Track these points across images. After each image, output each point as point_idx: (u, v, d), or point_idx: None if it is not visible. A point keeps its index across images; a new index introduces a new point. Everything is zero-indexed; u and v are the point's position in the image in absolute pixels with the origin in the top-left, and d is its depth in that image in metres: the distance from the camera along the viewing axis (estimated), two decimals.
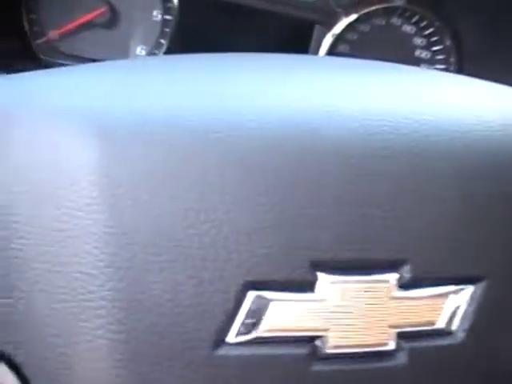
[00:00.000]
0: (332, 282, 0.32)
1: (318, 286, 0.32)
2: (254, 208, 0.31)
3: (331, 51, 0.77)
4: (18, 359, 0.33)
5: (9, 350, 0.33)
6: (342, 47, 0.78)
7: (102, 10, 0.75)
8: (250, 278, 0.31)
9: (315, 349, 0.32)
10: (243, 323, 0.31)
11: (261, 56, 0.43)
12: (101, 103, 0.33)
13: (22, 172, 0.32)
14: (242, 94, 0.34)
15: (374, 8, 0.76)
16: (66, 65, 0.76)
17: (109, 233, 0.31)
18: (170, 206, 0.31)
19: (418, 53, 0.79)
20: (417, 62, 0.79)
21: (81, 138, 0.32)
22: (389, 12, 0.77)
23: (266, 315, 0.31)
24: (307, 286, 0.32)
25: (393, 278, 0.33)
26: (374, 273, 0.32)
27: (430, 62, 0.79)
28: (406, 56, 0.78)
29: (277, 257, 0.31)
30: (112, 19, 0.76)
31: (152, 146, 0.31)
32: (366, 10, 0.76)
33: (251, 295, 0.31)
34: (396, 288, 0.33)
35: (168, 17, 0.76)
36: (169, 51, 0.76)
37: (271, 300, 0.31)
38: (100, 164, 0.31)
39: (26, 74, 0.38)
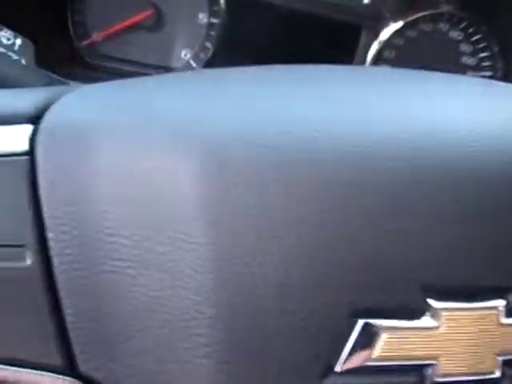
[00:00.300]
0: (442, 309, 0.31)
1: (428, 313, 0.31)
2: (367, 235, 0.30)
3: (378, 57, 0.76)
4: None
5: (99, 377, 0.32)
6: (387, 53, 0.77)
7: (148, 12, 0.74)
8: (360, 306, 0.30)
9: (423, 377, 0.31)
10: (352, 351, 0.31)
11: (342, 69, 0.41)
12: (203, 124, 0.32)
13: (122, 193, 0.31)
14: (344, 110, 0.33)
15: (421, 14, 0.76)
16: (110, 67, 0.76)
17: (214, 258, 0.30)
18: (277, 232, 0.30)
19: (464, 59, 0.78)
20: (463, 68, 0.78)
21: (184, 162, 0.31)
22: (436, 18, 0.76)
23: (374, 343, 0.31)
24: (417, 313, 0.31)
25: (501, 304, 0.32)
26: (482, 299, 0.32)
27: (476, 69, 0.78)
28: (451, 62, 0.77)
29: (387, 284, 0.31)
30: (157, 22, 0.75)
31: (258, 173, 0.30)
32: (413, 17, 0.75)
33: (361, 323, 0.31)
34: (504, 315, 0.32)
35: (214, 20, 0.75)
36: (214, 55, 0.75)
37: (381, 328, 0.31)
38: (204, 187, 0.30)
39: (99, 86, 0.37)
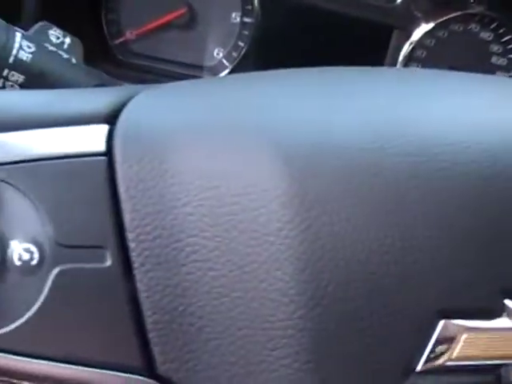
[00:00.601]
0: None
1: (506, 314, 0.32)
2: (453, 237, 0.31)
3: (409, 57, 0.77)
4: None
5: (178, 378, 0.32)
6: (419, 53, 0.77)
7: (182, 11, 0.74)
8: (442, 306, 0.31)
9: (501, 377, 0.32)
10: (432, 351, 0.31)
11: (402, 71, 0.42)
12: (284, 123, 0.32)
13: (204, 194, 0.32)
14: (431, 112, 0.34)
15: (453, 15, 0.76)
16: (142, 65, 0.76)
17: (301, 259, 0.30)
18: (365, 231, 0.30)
19: (494, 59, 0.78)
20: (492, 68, 0.78)
21: (270, 161, 0.31)
22: (467, 18, 0.77)
23: (454, 344, 0.31)
24: (495, 314, 0.31)
25: None
26: None
27: (506, 69, 0.79)
28: (481, 62, 0.78)
29: (469, 285, 0.31)
30: (190, 20, 0.75)
31: (347, 169, 0.31)
32: (445, 17, 0.76)
33: (442, 323, 0.31)
34: None
35: (247, 19, 0.75)
36: (247, 54, 0.76)
37: (461, 328, 0.31)
38: (292, 187, 0.31)
39: (167, 87, 0.37)
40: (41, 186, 0.31)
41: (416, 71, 0.52)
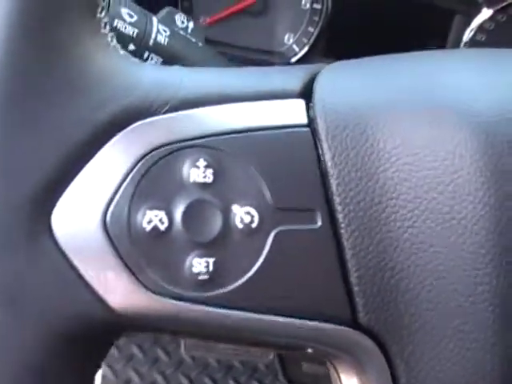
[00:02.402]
0: None
1: None
2: None
3: (470, 41, 0.80)
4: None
5: (378, 329, 0.35)
6: (479, 36, 0.80)
7: None
8: None
9: None
10: None
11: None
12: (476, 99, 0.35)
13: (406, 160, 0.34)
14: None
15: None
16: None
17: (496, 215, 0.33)
18: None
19: None
20: None
21: (466, 130, 0.34)
22: None
23: None
24: None
25: None
26: None
27: None
28: None
29: None
30: (262, 8, 0.77)
31: None
32: (506, 2, 0.79)
33: None
34: None
35: (317, 5, 0.78)
36: (317, 40, 0.78)
37: None
38: (487, 153, 0.34)
39: (349, 63, 0.39)
40: (256, 154, 0.34)
41: None
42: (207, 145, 0.34)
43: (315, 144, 0.35)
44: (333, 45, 0.79)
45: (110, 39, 0.34)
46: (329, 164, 0.34)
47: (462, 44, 0.80)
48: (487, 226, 0.34)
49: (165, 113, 0.34)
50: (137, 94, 0.33)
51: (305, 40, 0.78)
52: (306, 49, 0.78)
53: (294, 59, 0.78)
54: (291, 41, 0.78)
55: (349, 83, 0.37)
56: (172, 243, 0.33)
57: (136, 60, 0.35)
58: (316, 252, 0.34)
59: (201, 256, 0.33)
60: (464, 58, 0.40)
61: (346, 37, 0.79)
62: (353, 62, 0.39)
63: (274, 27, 0.78)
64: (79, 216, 0.32)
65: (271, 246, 0.34)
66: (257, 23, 0.78)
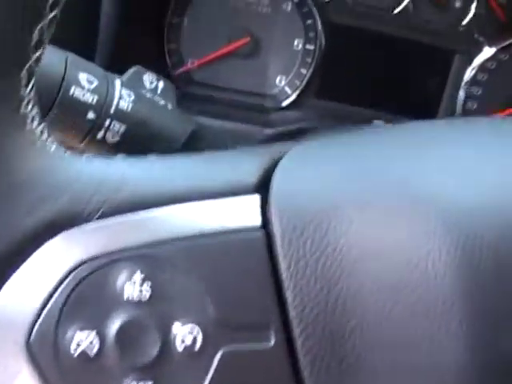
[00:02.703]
0: None
1: None
2: None
3: (471, 81, 0.76)
4: None
5: None
6: (480, 76, 0.77)
7: (245, 40, 0.74)
8: None
9: None
10: None
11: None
12: (444, 187, 0.32)
13: (369, 267, 0.31)
14: None
15: None
16: (204, 95, 0.75)
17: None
18: None
19: None
20: None
21: (436, 227, 0.31)
22: None
23: None
24: None
25: None
26: None
27: None
28: None
29: None
30: (253, 49, 0.75)
31: None
32: (508, 42, 0.75)
33: None
34: None
35: (310, 46, 0.75)
36: (309, 81, 0.75)
37: None
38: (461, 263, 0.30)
39: (311, 147, 0.36)
40: (200, 263, 0.31)
41: None
42: (145, 255, 0.30)
43: (270, 250, 0.31)
44: (326, 86, 0.76)
45: (39, 134, 0.31)
46: (284, 275, 0.31)
47: (463, 83, 0.77)
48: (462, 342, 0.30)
49: (98, 218, 0.31)
50: (68, 197, 0.30)
51: (297, 82, 0.76)
52: (298, 91, 0.75)
53: (286, 102, 0.76)
54: (283, 83, 0.76)
55: (311, 175, 0.33)
56: (103, 369, 0.30)
57: (68, 155, 0.32)
58: (268, 375, 0.31)
59: (137, 380, 0.30)
60: (431, 140, 0.36)
61: (340, 78, 0.76)
62: (319, 144, 0.36)
63: (265, 69, 0.76)
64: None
65: (216, 370, 0.30)
66: (248, 65, 0.75)
